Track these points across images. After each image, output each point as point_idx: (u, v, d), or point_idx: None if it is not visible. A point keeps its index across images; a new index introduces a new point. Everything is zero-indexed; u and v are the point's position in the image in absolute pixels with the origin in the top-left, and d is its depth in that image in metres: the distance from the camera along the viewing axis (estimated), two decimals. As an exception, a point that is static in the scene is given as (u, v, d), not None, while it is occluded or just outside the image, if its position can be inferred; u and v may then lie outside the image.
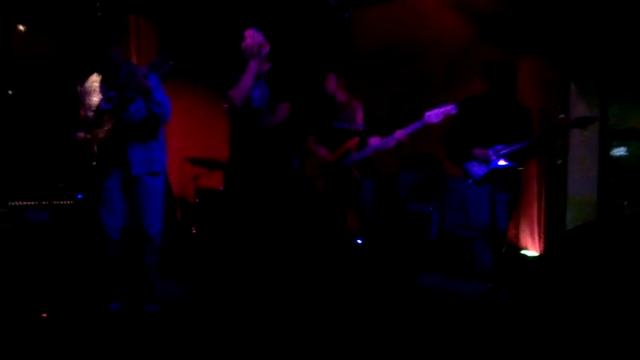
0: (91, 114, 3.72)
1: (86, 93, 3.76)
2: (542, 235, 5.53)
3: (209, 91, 5.21)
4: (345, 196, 4.64)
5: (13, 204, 4.45)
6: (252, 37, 4.05)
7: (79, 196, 4.56)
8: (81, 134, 3.71)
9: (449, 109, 4.28)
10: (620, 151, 5.57)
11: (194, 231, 5.40)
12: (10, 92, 5.38)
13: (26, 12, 5.36)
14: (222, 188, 4.68)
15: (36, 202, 4.45)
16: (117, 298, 3.80)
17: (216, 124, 4.99)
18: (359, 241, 4.94)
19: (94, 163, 3.65)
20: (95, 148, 3.66)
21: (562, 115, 5.33)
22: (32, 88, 5.36)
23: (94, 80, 3.78)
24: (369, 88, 5.92)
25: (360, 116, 4.65)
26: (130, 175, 3.68)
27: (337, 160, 4.56)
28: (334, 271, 4.52)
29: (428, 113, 4.31)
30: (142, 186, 3.74)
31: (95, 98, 3.74)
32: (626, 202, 5.32)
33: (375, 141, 4.52)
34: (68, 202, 4.53)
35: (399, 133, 4.36)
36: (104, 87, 3.72)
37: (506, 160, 4.31)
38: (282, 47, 4.36)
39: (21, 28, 5.57)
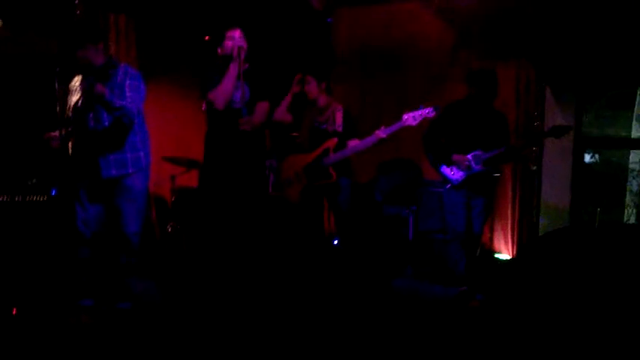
0: (70, 114, 3.71)
1: (68, 92, 3.75)
2: (515, 240, 5.60)
3: (187, 89, 5.19)
4: (322, 196, 4.65)
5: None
6: (232, 38, 4.04)
7: (53, 192, 4.50)
8: (54, 133, 3.70)
9: (427, 111, 4.32)
10: (592, 158, 5.67)
11: (169, 230, 5.37)
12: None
13: (3, 8, 5.30)
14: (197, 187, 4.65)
15: (8, 198, 4.39)
16: (89, 295, 3.77)
17: (193, 123, 4.97)
18: (335, 242, 4.96)
19: (68, 164, 3.65)
20: (70, 149, 3.66)
21: (537, 122, 5.41)
22: (6, 85, 5.30)
23: (77, 80, 3.77)
24: (349, 89, 5.94)
25: (339, 118, 4.66)
26: (101, 177, 3.66)
27: (315, 160, 4.57)
28: (310, 271, 4.53)
29: (405, 116, 4.35)
30: (116, 187, 3.73)
31: (74, 98, 3.72)
32: (598, 209, 5.39)
33: (353, 143, 4.54)
34: (42, 198, 4.47)
35: (377, 134, 4.39)
36: (82, 87, 3.71)
37: (484, 165, 4.36)
38: (262, 46, 4.35)
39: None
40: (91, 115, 3.63)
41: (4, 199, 4.36)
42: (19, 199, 4.43)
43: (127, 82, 3.65)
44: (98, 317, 3.66)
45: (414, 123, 4.33)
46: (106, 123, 3.64)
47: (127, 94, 3.62)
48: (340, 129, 4.61)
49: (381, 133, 4.38)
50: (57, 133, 3.69)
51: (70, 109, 3.75)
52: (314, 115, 4.67)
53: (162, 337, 3.35)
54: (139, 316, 3.69)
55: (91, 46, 3.65)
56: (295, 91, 4.60)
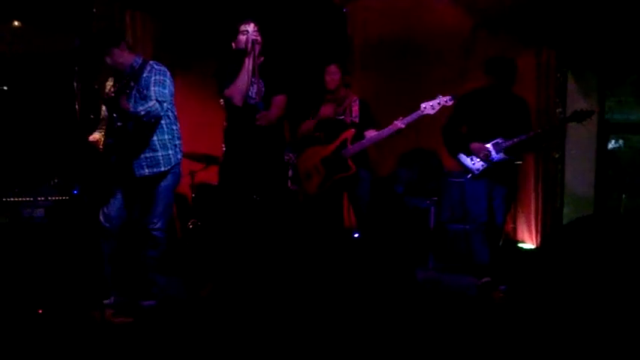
0: (103, 114, 3.79)
1: (101, 93, 3.79)
2: (539, 229, 5.52)
3: (204, 84, 5.18)
4: (342, 188, 4.63)
5: (8, 200, 4.44)
6: (246, 33, 4.01)
7: (75, 192, 4.54)
8: (94, 136, 3.75)
9: (445, 100, 4.28)
10: (616, 144, 5.56)
11: (190, 226, 5.39)
12: (5, 88, 5.36)
13: (20, 7, 5.34)
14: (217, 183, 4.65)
15: (31, 198, 4.43)
16: (114, 292, 3.80)
17: (210, 118, 4.97)
18: (356, 235, 4.93)
19: (102, 162, 3.68)
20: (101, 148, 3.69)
21: (559, 109, 5.32)
22: (27, 84, 5.35)
23: (110, 82, 3.82)
24: (365, 80, 5.89)
25: (356, 109, 4.64)
26: (134, 176, 3.68)
27: (334, 152, 4.55)
28: (331, 264, 4.51)
29: (424, 105, 4.32)
30: (147, 185, 3.74)
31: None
32: (624, 196, 5.30)
33: (371, 133, 4.51)
34: (64, 197, 4.52)
35: (396, 124, 4.36)
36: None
37: (504, 153, 4.30)
38: (277, 39, 4.32)
39: (16, 23, 5.54)
40: (117, 115, 3.65)
41: (27, 200, 4.41)
42: (42, 199, 4.48)
43: (153, 77, 3.66)
44: (123, 314, 3.68)
45: (432, 112, 4.30)
46: (132, 123, 3.67)
47: (152, 87, 3.62)
48: (357, 120, 4.59)
49: (400, 123, 4.35)
50: (96, 136, 3.74)
51: (105, 111, 3.80)
52: (332, 106, 4.64)
53: (186, 334, 3.36)
54: (164, 313, 3.71)
55: (115, 50, 3.67)
56: (325, 115, 4.58)
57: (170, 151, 3.81)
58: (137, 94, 3.63)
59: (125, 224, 3.84)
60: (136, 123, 3.63)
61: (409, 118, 4.35)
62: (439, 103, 4.28)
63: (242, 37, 4.00)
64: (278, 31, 4.61)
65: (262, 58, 4.07)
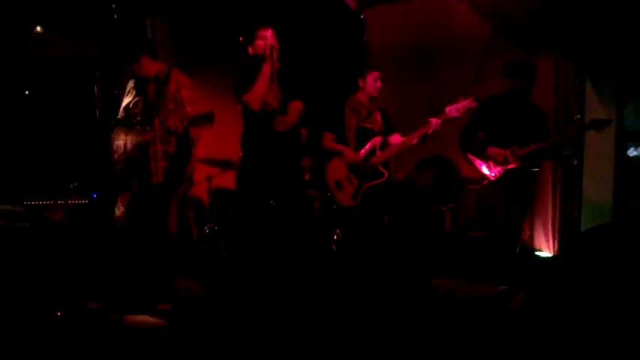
0: (123, 114, 3.84)
1: (122, 93, 3.86)
2: (556, 237, 5.47)
3: (221, 90, 5.22)
4: (377, 195, 4.61)
5: (29, 203, 4.50)
6: (264, 38, 4.03)
7: (94, 195, 4.59)
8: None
9: (468, 102, 4.28)
10: (635, 152, 5.51)
11: (207, 231, 5.42)
12: (26, 92, 5.44)
13: (42, 12, 5.41)
14: (234, 189, 4.68)
15: (51, 202, 4.49)
16: (130, 296, 3.83)
17: (228, 124, 5.01)
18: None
19: (118, 167, 3.72)
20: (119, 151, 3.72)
21: (577, 116, 5.29)
22: (47, 89, 5.42)
23: (131, 83, 3.86)
24: (384, 86, 5.89)
25: (378, 116, 4.68)
26: (150, 182, 3.73)
27: (364, 160, 4.56)
28: (348, 270, 4.52)
29: (449, 108, 4.32)
30: (164, 192, 3.77)
31: (127, 99, 3.82)
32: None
33: (395, 139, 4.52)
34: (83, 201, 4.57)
35: (431, 121, 4.35)
36: (135, 94, 3.79)
37: (521, 161, 4.29)
38: (294, 45, 4.35)
39: (38, 29, 5.62)
40: (139, 119, 3.69)
41: (47, 203, 4.47)
42: (62, 202, 4.53)
43: (184, 93, 3.70)
44: (138, 318, 3.71)
45: (457, 114, 4.30)
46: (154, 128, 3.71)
47: (188, 108, 3.67)
48: (382, 127, 4.62)
49: (435, 120, 4.33)
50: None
51: (123, 110, 3.83)
52: (360, 114, 4.66)
53: (200, 338, 3.39)
54: (179, 317, 3.73)
55: (146, 59, 3.72)
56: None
57: (185, 161, 3.87)
58: (164, 105, 3.67)
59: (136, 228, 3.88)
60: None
61: (435, 123, 4.35)
62: (463, 106, 4.28)
63: (260, 43, 4.01)
64: (295, 37, 4.64)
65: (279, 64, 4.08)
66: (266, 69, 3.97)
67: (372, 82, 4.61)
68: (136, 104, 3.80)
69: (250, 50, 4.09)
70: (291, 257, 4.19)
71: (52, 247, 4.31)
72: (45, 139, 5.31)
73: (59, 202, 4.51)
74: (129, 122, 3.78)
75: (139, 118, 3.75)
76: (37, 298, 3.83)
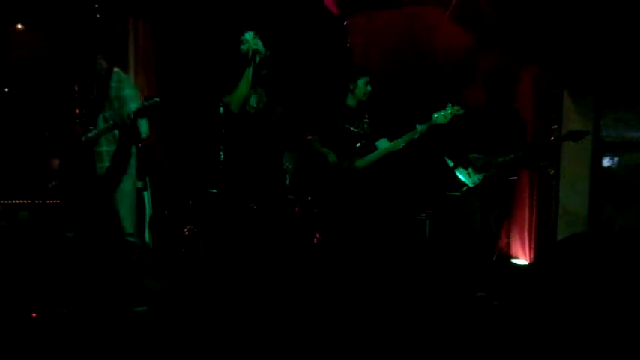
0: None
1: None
2: (532, 245, 5.55)
3: (206, 91, 5.23)
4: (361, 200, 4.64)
5: (5, 202, 4.45)
6: (247, 42, 4.05)
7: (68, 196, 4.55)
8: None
9: (455, 109, 4.32)
10: (611, 162, 5.60)
11: (186, 232, 5.40)
12: (6, 90, 5.38)
13: (23, 12, 5.37)
14: (214, 190, 4.67)
15: (29, 201, 4.45)
16: (105, 298, 3.80)
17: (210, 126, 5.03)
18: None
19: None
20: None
21: (555, 126, 5.37)
22: (26, 87, 5.37)
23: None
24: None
25: (366, 120, 4.69)
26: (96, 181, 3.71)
27: (349, 163, 4.56)
28: (328, 273, 4.53)
29: (436, 114, 4.35)
30: (117, 190, 3.75)
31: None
32: (617, 213, 5.34)
33: (382, 144, 4.54)
34: (60, 201, 4.52)
35: (410, 134, 4.40)
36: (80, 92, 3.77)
37: (499, 169, 4.34)
38: (278, 51, 4.36)
39: (19, 26, 5.57)
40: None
41: (24, 203, 4.42)
42: (40, 202, 4.49)
43: (127, 91, 3.69)
44: (114, 320, 3.68)
45: (444, 121, 4.33)
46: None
47: (130, 105, 3.63)
48: (369, 131, 4.63)
49: (420, 127, 4.37)
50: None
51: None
52: (349, 118, 4.66)
53: (177, 339, 3.37)
54: (156, 318, 3.72)
55: (99, 57, 3.71)
56: None
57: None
58: (105, 101, 3.66)
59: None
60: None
61: (421, 129, 4.38)
62: (450, 112, 4.32)
63: (242, 47, 4.04)
64: (278, 42, 4.65)
65: (264, 68, 4.10)
66: (248, 72, 3.99)
67: (362, 86, 4.62)
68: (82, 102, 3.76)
69: (234, 54, 4.11)
70: (270, 260, 4.20)
71: (25, 248, 4.26)
72: (23, 138, 5.25)
73: (36, 201, 4.46)
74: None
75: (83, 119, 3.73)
76: (12, 299, 3.79)
